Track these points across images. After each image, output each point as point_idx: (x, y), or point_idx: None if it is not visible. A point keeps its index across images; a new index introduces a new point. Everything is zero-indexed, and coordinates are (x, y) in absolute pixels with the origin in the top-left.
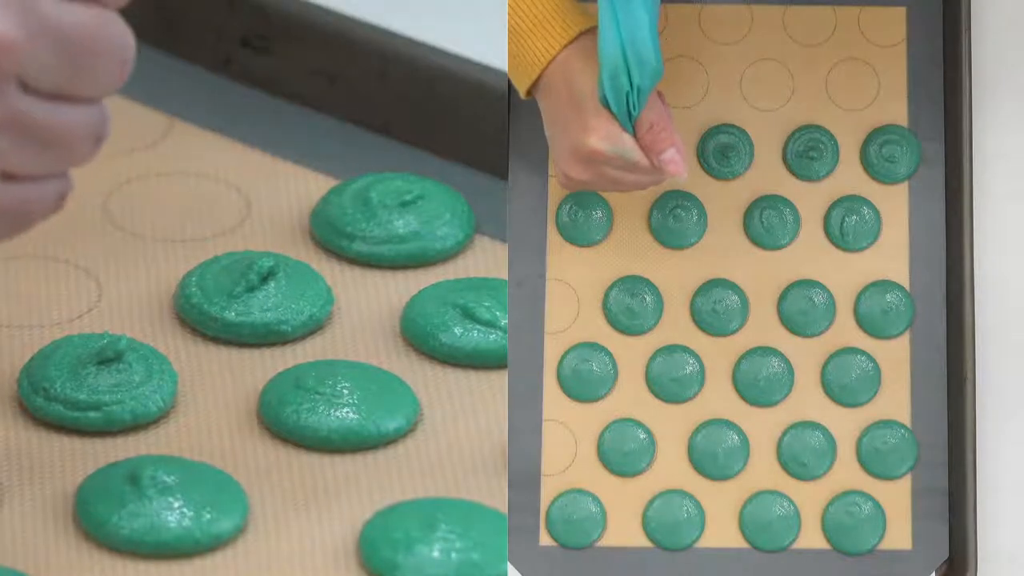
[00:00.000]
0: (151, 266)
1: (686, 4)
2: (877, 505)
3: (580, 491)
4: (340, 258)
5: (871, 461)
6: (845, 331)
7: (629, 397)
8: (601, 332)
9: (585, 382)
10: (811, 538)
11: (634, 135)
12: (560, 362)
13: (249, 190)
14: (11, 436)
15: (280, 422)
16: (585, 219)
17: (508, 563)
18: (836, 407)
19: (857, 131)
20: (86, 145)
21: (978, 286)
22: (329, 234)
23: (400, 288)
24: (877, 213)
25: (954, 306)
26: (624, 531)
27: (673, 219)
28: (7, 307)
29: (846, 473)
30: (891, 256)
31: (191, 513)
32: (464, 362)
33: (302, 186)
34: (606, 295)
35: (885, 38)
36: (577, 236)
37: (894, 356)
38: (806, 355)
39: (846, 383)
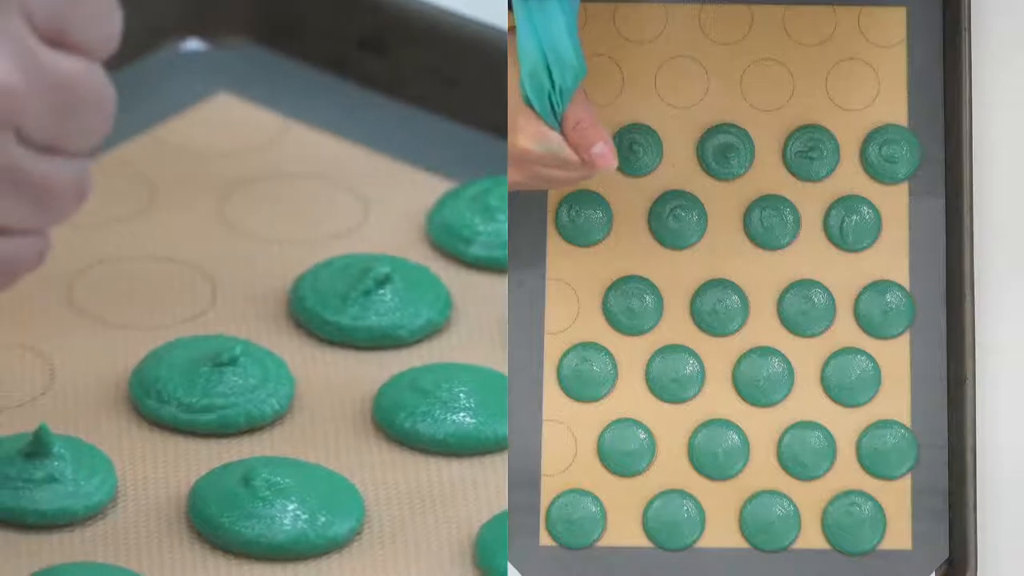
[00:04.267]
0: (266, 268)
1: (686, 4)
2: (877, 505)
3: (580, 491)
4: (458, 262)
5: (871, 461)
6: (845, 331)
7: (629, 397)
8: (601, 332)
9: (585, 382)
10: (811, 538)
11: (561, 133)
12: (560, 362)
13: (365, 192)
14: (123, 438)
15: (396, 425)
16: (585, 219)
17: (510, 563)
18: (836, 407)
19: (857, 131)
20: (71, 201)
21: (978, 286)
22: (446, 237)
23: None
24: (877, 213)
25: (954, 306)
26: (624, 531)
27: (673, 219)
28: (119, 308)
29: (846, 473)
30: (891, 256)
31: (305, 516)
32: None
33: (419, 188)
34: (606, 295)
35: (885, 38)
36: (577, 236)
37: (894, 356)
38: (806, 355)
39: (846, 383)
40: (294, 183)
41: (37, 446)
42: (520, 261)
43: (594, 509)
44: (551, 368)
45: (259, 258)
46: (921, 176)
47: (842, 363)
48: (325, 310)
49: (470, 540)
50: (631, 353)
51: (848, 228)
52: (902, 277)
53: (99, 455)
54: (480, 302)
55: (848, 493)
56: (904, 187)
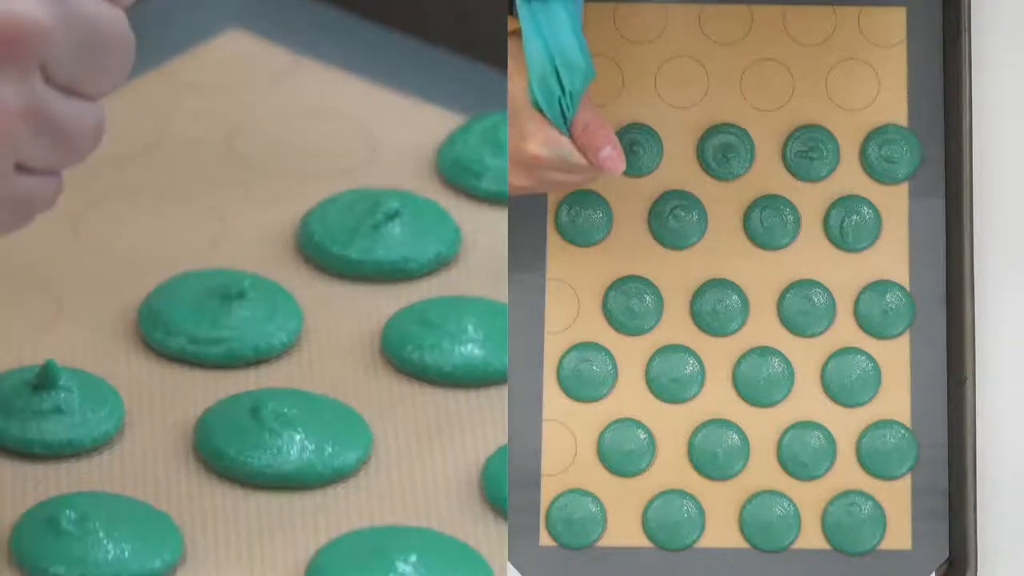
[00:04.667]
0: (275, 202)
1: (686, 4)
2: (877, 505)
3: (580, 491)
4: (468, 196)
5: (871, 461)
6: (845, 331)
7: (629, 397)
8: (601, 332)
9: (585, 382)
10: (811, 538)
11: (569, 136)
12: (560, 362)
13: (374, 127)
14: (132, 369)
15: (403, 357)
16: (585, 219)
17: (508, 563)
18: (836, 407)
19: (857, 131)
20: (89, 142)
21: (978, 286)
22: (456, 172)
23: None
24: (877, 213)
25: (954, 306)
26: (624, 531)
27: (673, 219)
28: (128, 241)
29: (846, 473)
30: (891, 256)
31: (312, 446)
32: None
33: (428, 123)
34: (606, 295)
35: (885, 38)
36: (577, 236)
37: (894, 356)
38: (806, 355)
39: (846, 383)
40: (304, 119)
41: (44, 378)
42: (520, 261)
43: (594, 509)
44: (551, 368)
45: (268, 193)
46: (921, 176)
47: (842, 363)
48: (334, 244)
49: (477, 471)
50: (631, 353)
51: (848, 228)
52: (902, 277)
53: (106, 387)
54: (489, 236)
55: (848, 493)
56: (904, 187)
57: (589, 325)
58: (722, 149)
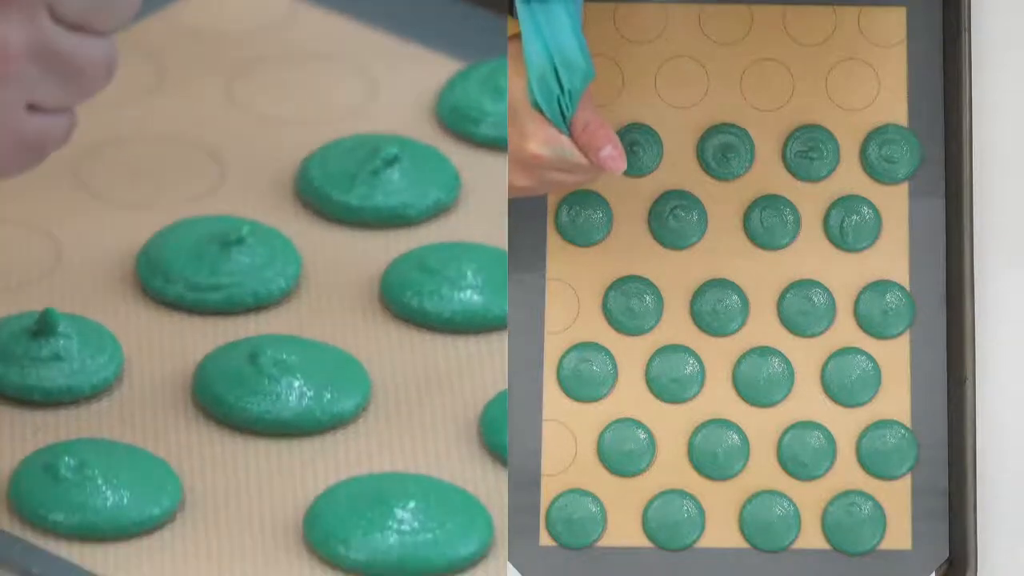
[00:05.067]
0: (274, 148)
1: (686, 4)
2: (877, 505)
3: (580, 491)
4: (467, 142)
5: (871, 461)
6: (845, 331)
7: (629, 397)
8: (601, 332)
9: (585, 382)
10: (811, 538)
11: (569, 136)
12: (560, 362)
13: (374, 73)
14: (130, 316)
15: (402, 304)
16: (585, 219)
17: (508, 563)
18: (836, 407)
19: (857, 131)
20: (100, 78)
21: (978, 286)
22: (455, 118)
23: None
24: (877, 213)
25: (954, 306)
26: (624, 531)
27: (673, 219)
28: (126, 188)
29: (846, 473)
30: (891, 256)
31: (311, 392)
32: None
33: (428, 69)
34: (606, 295)
35: (885, 38)
36: (577, 236)
37: (894, 356)
38: (806, 355)
39: (846, 383)
40: (303, 64)
41: (43, 325)
42: (520, 261)
43: (594, 509)
44: (551, 368)
45: (267, 138)
46: (921, 176)
47: (842, 363)
48: (333, 190)
49: (475, 417)
50: (631, 353)
51: (848, 228)
52: (902, 277)
53: (105, 333)
54: (488, 181)
55: (848, 493)
56: (904, 187)
57: (589, 325)
58: (722, 149)
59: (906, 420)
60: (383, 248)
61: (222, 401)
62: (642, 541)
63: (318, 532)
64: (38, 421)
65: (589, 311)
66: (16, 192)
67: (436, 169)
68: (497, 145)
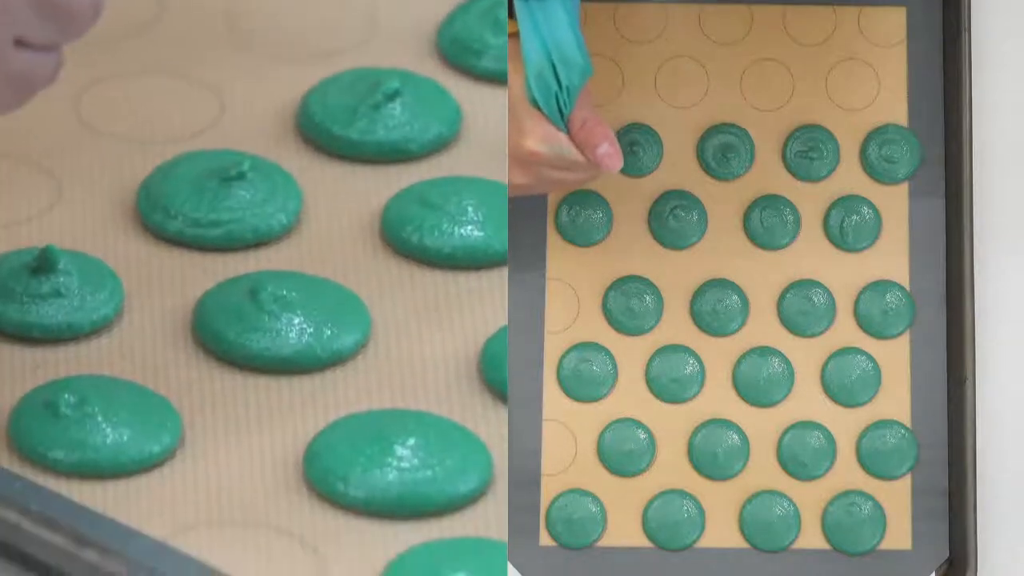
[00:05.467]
0: (275, 83)
1: (686, 4)
2: (877, 505)
3: (580, 491)
4: (468, 75)
5: (871, 461)
6: (845, 331)
7: (629, 397)
8: (601, 332)
9: (585, 382)
10: (811, 538)
11: (567, 133)
12: (560, 362)
13: (376, 6)
14: (130, 252)
15: (403, 239)
16: (585, 219)
17: (508, 563)
18: (836, 407)
19: (857, 131)
20: (88, 17)
21: (978, 286)
22: (457, 51)
23: None
24: (877, 213)
25: (954, 306)
26: (624, 531)
27: (673, 219)
28: (126, 122)
29: (846, 473)
30: (891, 256)
31: (311, 329)
32: None
33: (429, 2)
34: (606, 295)
35: (885, 38)
36: (577, 236)
37: (894, 356)
38: (806, 355)
39: (846, 383)
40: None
41: (44, 262)
42: (520, 261)
43: (594, 509)
44: (551, 368)
45: (268, 73)
46: (921, 176)
47: (842, 363)
48: (334, 124)
49: (476, 353)
50: (631, 353)
51: (848, 228)
52: (902, 277)
53: (105, 270)
54: (490, 115)
55: (848, 493)
56: (904, 187)
57: (589, 325)
58: (722, 149)
59: (906, 420)
60: (384, 183)
61: (222, 338)
62: (642, 541)
63: (317, 469)
64: (38, 358)
65: (589, 311)
66: (16, 128)
67: (437, 103)
68: (498, 79)
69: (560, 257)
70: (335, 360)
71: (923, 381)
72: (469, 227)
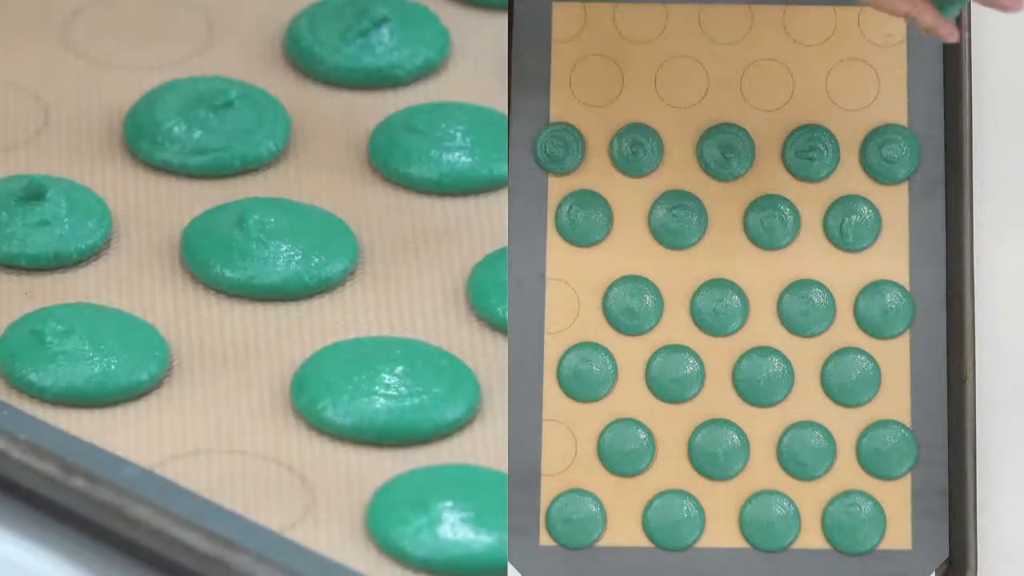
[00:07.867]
0: (263, 7)
1: (686, 4)
2: (877, 505)
3: (580, 491)
4: (459, 1)
5: (871, 461)
6: (845, 331)
7: (629, 397)
8: (601, 332)
9: (585, 382)
10: (811, 538)
11: None
12: (560, 362)
13: None
14: (117, 180)
15: (390, 167)
16: (585, 219)
17: (508, 563)
18: (836, 407)
19: (857, 131)
20: None
21: (978, 286)
22: None
23: None
24: (877, 213)
25: (954, 306)
26: (624, 531)
27: (673, 219)
28: (111, 47)
29: (846, 473)
30: (891, 256)
31: (299, 256)
32: None
33: None
34: (606, 295)
35: (885, 38)
36: (577, 236)
37: (894, 356)
38: (806, 355)
39: (846, 383)
40: None
41: (31, 191)
42: (520, 261)
43: (594, 509)
44: (551, 368)
45: None
46: (921, 176)
47: (842, 363)
48: (322, 50)
49: (463, 280)
50: (631, 353)
51: (848, 228)
52: (902, 277)
53: (93, 198)
54: (479, 41)
55: (848, 493)
56: (904, 187)
57: (589, 325)
58: (722, 149)
59: (906, 420)
60: (372, 109)
61: (209, 266)
62: (642, 541)
63: (305, 397)
64: (27, 286)
65: (589, 311)
66: (3, 54)
67: (425, 29)
68: (488, 3)
69: (560, 257)
70: (323, 288)
71: (923, 381)
72: (456, 153)
